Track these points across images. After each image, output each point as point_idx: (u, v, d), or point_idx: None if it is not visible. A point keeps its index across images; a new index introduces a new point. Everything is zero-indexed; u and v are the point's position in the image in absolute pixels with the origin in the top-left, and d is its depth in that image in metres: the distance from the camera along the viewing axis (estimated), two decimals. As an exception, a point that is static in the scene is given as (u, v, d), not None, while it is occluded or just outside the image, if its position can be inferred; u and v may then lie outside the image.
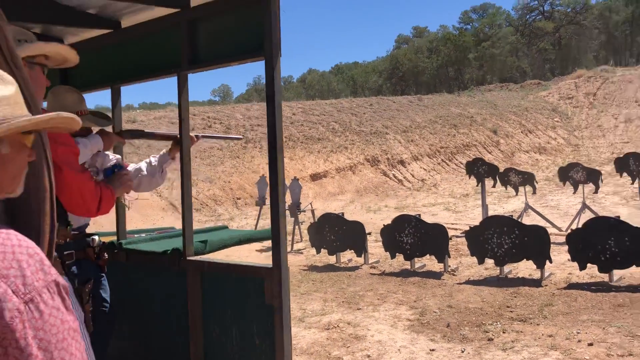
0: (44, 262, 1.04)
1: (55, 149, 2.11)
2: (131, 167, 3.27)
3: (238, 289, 3.01)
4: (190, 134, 3.34)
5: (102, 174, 2.89)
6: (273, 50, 2.75)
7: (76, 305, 2.24)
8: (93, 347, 3.00)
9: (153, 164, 3.35)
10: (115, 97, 3.73)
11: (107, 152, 3.21)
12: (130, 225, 4.09)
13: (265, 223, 12.79)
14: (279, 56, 2.79)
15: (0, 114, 1.08)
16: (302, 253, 9.70)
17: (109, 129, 3.32)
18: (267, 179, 3.02)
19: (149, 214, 13.35)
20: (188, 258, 3.24)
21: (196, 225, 3.68)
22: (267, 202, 11.99)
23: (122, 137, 3.37)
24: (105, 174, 2.80)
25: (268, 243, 10.32)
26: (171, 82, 3.31)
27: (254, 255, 9.59)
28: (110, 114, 3.43)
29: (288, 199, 11.30)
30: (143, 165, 3.35)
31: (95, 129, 3.15)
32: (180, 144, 3.27)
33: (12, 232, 1.04)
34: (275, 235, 2.81)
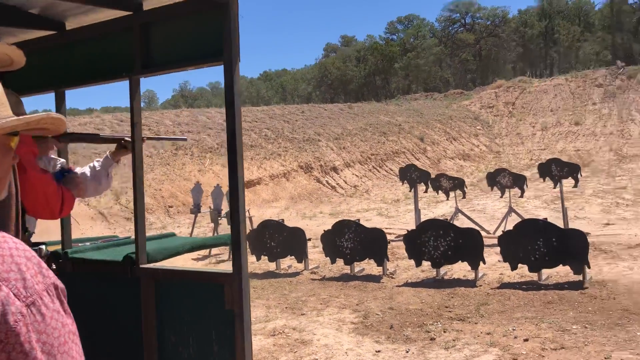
0: (41, 264, 1.02)
1: (18, 148, 2.01)
2: (77, 170, 3.16)
3: (196, 295, 2.98)
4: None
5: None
6: (232, 54, 2.75)
7: None
8: None
9: (97, 168, 3.23)
10: (60, 101, 3.59)
11: (53, 156, 3.09)
12: (56, 236, 3.91)
13: (200, 231, 12.59)
14: (238, 61, 2.79)
15: None
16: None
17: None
18: (223, 188, 3.01)
19: (77, 223, 12.80)
20: (141, 266, 3.16)
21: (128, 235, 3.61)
22: (202, 209, 11.78)
23: (59, 142, 3.24)
24: (55, 178, 2.67)
25: (204, 252, 10.16)
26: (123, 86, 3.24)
27: (190, 263, 9.42)
28: None
29: (225, 206, 11.18)
30: (87, 170, 3.23)
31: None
32: (133, 147, 3.19)
33: (6, 235, 1.01)
34: (236, 241, 2.80)
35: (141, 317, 3.14)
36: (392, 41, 63.81)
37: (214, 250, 10.42)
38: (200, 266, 9.42)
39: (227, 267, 9.35)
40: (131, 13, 3.14)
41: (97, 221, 13.33)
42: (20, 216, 1.73)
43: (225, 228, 10.87)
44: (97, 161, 3.27)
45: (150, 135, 3.97)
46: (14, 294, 0.93)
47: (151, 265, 3.19)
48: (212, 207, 11.15)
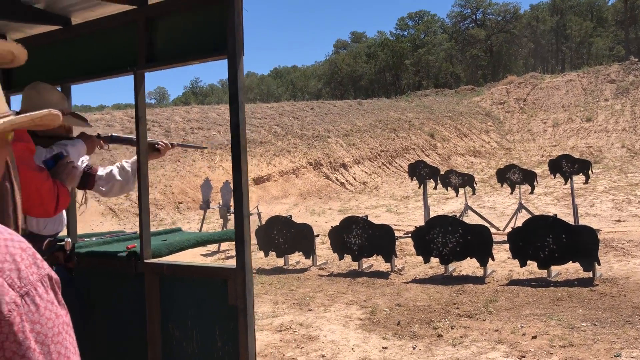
0: (36, 256, 1.03)
1: (13, 146, 2.01)
2: (101, 171, 3.14)
3: (200, 290, 2.97)
4: (166, 141, 3.30)
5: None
6: (236, 48, 2.73)
7: None
8: None
9: (126, 169, 3.21)
10: (66, 95, 3.59)
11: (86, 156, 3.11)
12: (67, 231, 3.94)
13: (209, 227, 12.62)
14: (242, 55, 2.77)
15: None
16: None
17: (89, 131, 3.24)
18: (231, 185, 3.01)
19: (87, 219, 12.88)
20: (146, 261, 3.16)
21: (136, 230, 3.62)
22: (212, 205, 11.81)
23: (103, 142, 3.25)
24: (47, 165, 2.58)
25: (213, 247, 10.19)
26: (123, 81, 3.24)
27: (199, 259, 9.44)
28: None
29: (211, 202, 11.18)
30: (115, 170, 3.19)
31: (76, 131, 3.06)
32: (137, 143, 3.19)
33: (1, 226, 1.02)
34: (240, 236, 2.78)
35: (145, 312, 3.14)
36: (403, 37, 63.57)
37: (223, 246, 10.43)
38: (209, 262, 9.45)
39: (234, 262, 9.36)
40: (136, 7, 3.13)
41: (107, 217, 13.41)
42: (19, 214, 1.73)
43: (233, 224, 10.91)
44: (126, 162, 3.25)
45: (178, 142, 3.96)
46: (8, 284, 0.93)
47: (155, 260, 3.19)
48: (221, 203, 11.17)
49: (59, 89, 3.62)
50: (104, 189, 2.79)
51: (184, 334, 3.06)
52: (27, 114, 1.12)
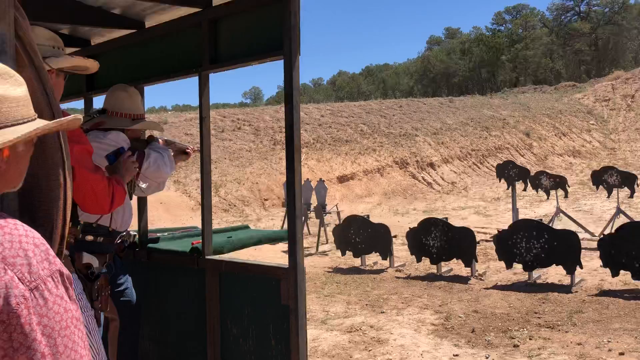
0: (49, 252, 1.08)
1: (71, 147, 2.12)
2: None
3: (255, 289, 3.00)
4: (193, 146, 3.42)
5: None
6: (292, 49, 2.72)
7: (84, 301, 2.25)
8: (122, 345, 3.01)
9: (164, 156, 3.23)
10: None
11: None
12: (160, 225, 4.11)
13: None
14: (298, 55, 2.76)
15: (18, 114, 1.14)
16: (327, 255, 9.66)
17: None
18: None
19: (179, 214, 13.50)
20: (207, 257, 3.24)
21: (224, 226, 3.70)
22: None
23: (164, 143, 3.37)
24: (109, 160, 2.68)
25: (308, 244, 10.28)
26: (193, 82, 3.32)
27: (280, 255, 9.59)
28: None
29: (314, 201, 11.27)
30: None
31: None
32: (201, 142, 3.28)
33: (18, 222, 1.08)
34: (292, 236, 2.78)
35: (205, 308, 3.21)
36: (499, 32, 61.25)
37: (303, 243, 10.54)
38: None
39: (311, 260, 9.44)
40: (201, 9, 3.21)
41: (197, 212, 13.94)
42: (67, 209, 1.81)
43: (316, 222, 10.97)
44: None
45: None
46: (18, 278, 0.98)
47: (216, 257, 3.26)
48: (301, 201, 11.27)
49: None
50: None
51: (241, 331, 3.10)
52: (57, 120, 1.21)
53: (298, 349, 2.76)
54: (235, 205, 15.14)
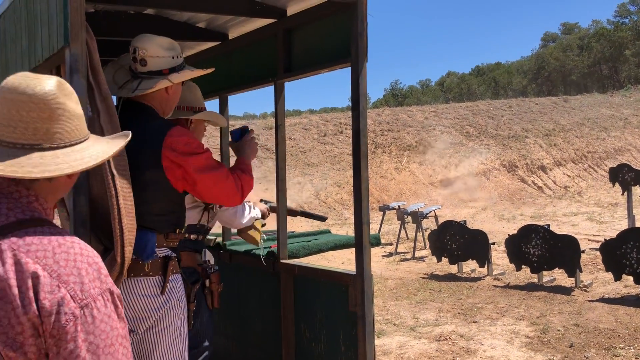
0: (101, 271, 1.14)
1: (186, 161, 2.18)
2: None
3: (326, 294, 3.02)
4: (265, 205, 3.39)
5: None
6: (359, 55, 2.73)
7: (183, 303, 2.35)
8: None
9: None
10: (223, 106, 3.94)
11: None
12: (267, 228, 4.11)
13: (390, 228, 12.71)
14: (365, 62, 2.76)
15: (77, 130, 1.23)
16: (424, 260, 9.48)
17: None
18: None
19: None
20: (281, 261, 3.31)
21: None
22: (391, 205, 11.85)
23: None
24: (233, 136, 2.69)
25: (391, 249, 10.20)
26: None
27: (375, 260, 9.56)
28: None
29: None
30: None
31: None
32: (276, 149, 3.37)
33: (75, 240, 1.15)
34: (358, 242, 2.77)
35: (280, 310, 3.29)
36: (623, 25, 56.82)
37: (400, 247, 10.43)
38: (384, 264, 9.53)
39: (407, 265, 9.30)
40: (276, 20, 3.30)
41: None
42: (122, 214, 1.93)
43: (412, 227, 10.81)
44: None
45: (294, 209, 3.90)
46: (70, 296, 1.06)
47: (290, 261, 3.33)
48: (400, 206, 11.18)
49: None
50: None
51: (313, 334, 3.14)
52: (118, 148, 1.29)
53: (366, 357, 2.74)
54: (334, 208, 15.30)
